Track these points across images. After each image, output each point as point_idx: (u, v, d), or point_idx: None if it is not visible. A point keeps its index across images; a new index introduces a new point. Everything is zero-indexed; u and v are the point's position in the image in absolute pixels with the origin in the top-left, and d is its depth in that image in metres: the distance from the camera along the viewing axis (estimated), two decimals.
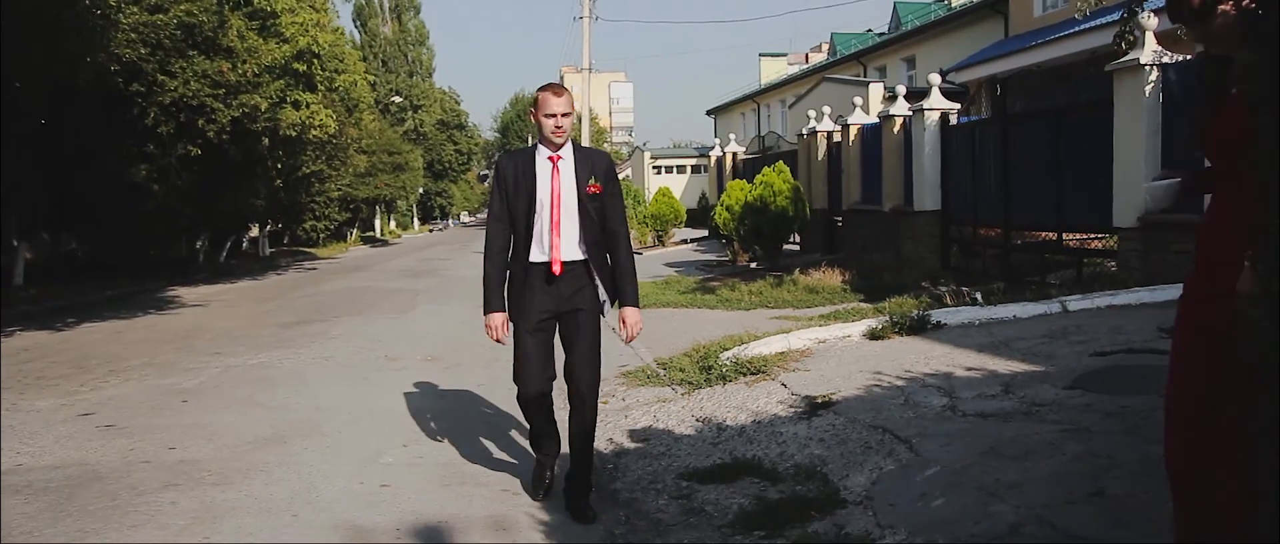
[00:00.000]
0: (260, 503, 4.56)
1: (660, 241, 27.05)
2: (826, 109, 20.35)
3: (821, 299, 11.77)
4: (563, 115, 4.30)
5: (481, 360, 8.59)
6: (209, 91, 17.13)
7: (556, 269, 4.32)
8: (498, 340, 4.46)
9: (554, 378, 4.49)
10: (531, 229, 4.35)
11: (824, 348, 7.50)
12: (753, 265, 17.03)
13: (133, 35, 13.94)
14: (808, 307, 11.32)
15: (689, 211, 32.07)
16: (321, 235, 42.17)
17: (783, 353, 7.31)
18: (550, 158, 4.38)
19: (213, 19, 17.13)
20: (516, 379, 4.43)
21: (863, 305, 10.64)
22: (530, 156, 4.43)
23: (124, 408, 6.96)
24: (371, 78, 35.81)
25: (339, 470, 5.14)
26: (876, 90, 25.08)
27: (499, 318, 4.43)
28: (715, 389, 6.71)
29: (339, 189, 37.23)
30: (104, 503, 4.59)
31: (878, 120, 16.08)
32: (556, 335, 4.47)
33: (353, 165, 33.55)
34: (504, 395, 6.46)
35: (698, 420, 5.94)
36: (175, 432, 6.12)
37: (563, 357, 4.48)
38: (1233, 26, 2.43)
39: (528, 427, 4.77)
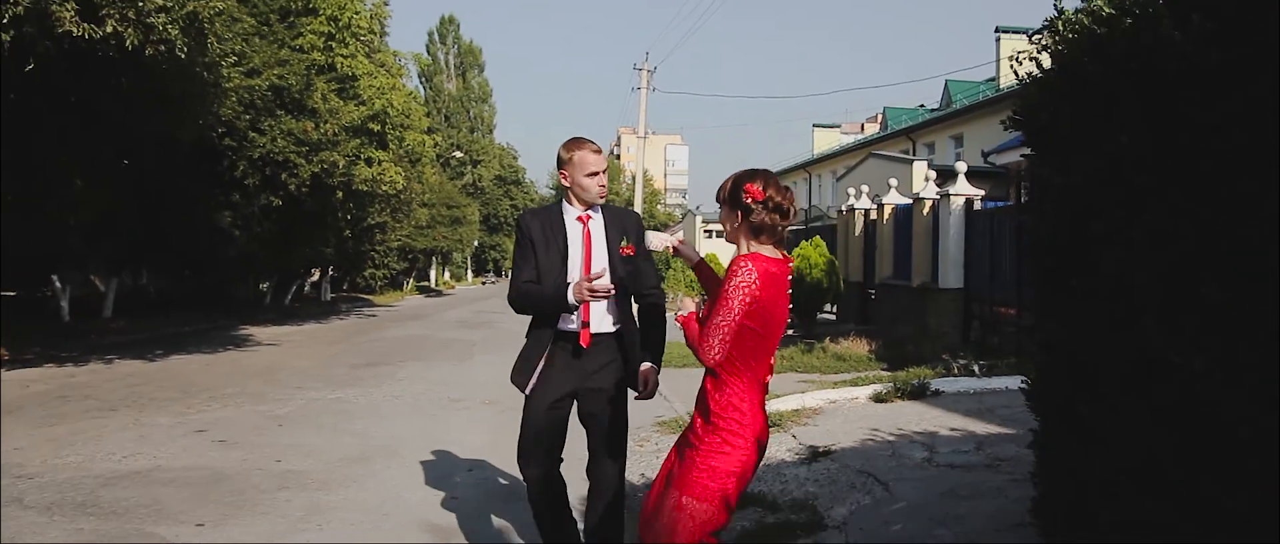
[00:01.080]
0: (356, 504, 5.67)
1: None
2: (865, 187, 21.40)
3: (847, 366, 12.71)
4: (604, 172, 3.97)
5: None
6: (293, 148, 18.67)
7: (585, 340, 3.94)
8: (599, 279, 3.75)
9: (560, 460, 4.07)
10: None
11: (834, 407, 8.53)
12: (789, 332, 18.01)
13: (233, 98, 15.41)
14: (834, 372, 12.27)
15: None
16: (379, 283, 43.91)
17: (797, 410, 8.34)
18: (580, 218, 4.01)
19: (301, 82, 18.72)
20: (522, 458, 4.00)
21: (883, 373, 11.57)
22: (557, 215, 4.03)
23: (230, 427, 8.16)
24: (435, 137, 37.45)
25: (417, 484, 6.24)
26: (919, 168, 26.04)
27: (572, 287, 3.75)
28: None
29: (398, 240, 38.85)
30: (235, 497, 5.75)
31: (910, 202, 17.11)
32: (573, 415, 4.08)
33: (415, 218, 35.30)
34: None
35: None
36: (278, 448, 7.29)
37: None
38: None
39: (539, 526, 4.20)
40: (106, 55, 9.16)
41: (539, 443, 3.95)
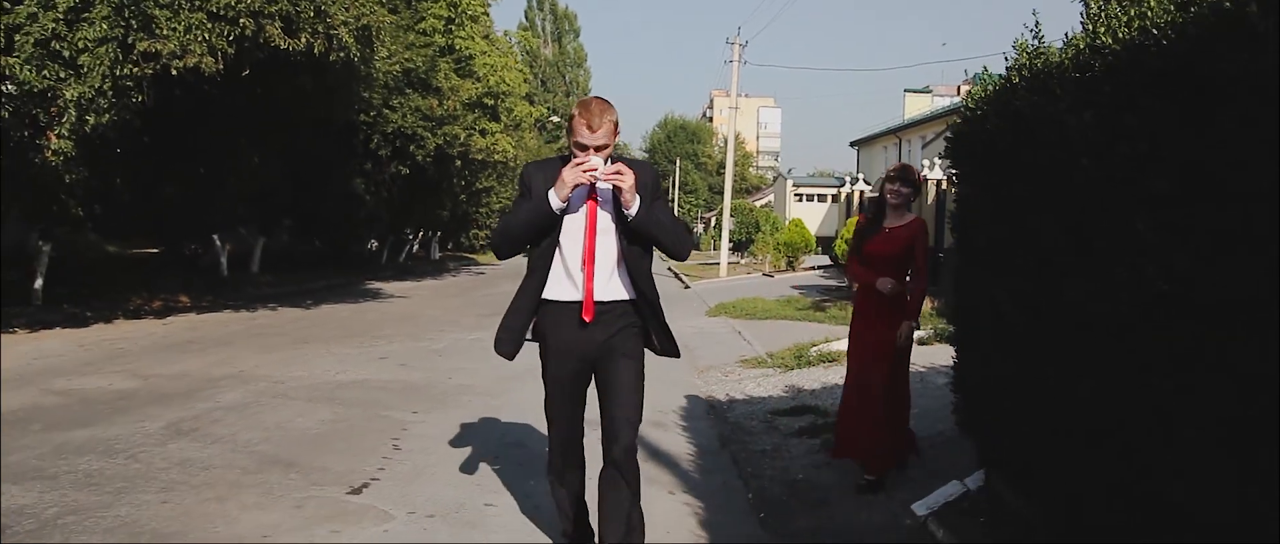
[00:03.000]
0: (518, 408, 7.74)
1: (791, 267, 29.82)
2: (937, 159, 22.89)
3: None
4: (596, 149, 3.45)
5: None
6: (421, 123, 21.00)
7: (588, 314, 3.57)
8: (585, 170, 3.40)
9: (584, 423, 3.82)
10: (559, 259, 3.62)
11: None
12: None
13: (377, 82, 17.75)
14: None
15: (828, 239, 34.72)
16: (480, 243, 46.61)
17: None
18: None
19: (426, 63, 20.99)
20: (552, 473, 3.89)
21: (941, 325, 13.32)
22: (562, 167, 3.53)
23: (403, 356, 10.41)
24: (536, 109, 39.77)
25: None
26: None
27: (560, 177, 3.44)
28: (802, 370, 9.70)
29: (500, 202, 41.40)
30: (430, 398, 7.93)
31: None
32: (591, 384, 3.76)
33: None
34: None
35: (786, 387, 8.94)
36: (446, 370, 9.47)
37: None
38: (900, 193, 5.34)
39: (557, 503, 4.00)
40: (296, 60, 11.41)
41: (563, 410, 3.75)
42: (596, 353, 3.63)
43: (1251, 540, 2.29)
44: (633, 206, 3.47)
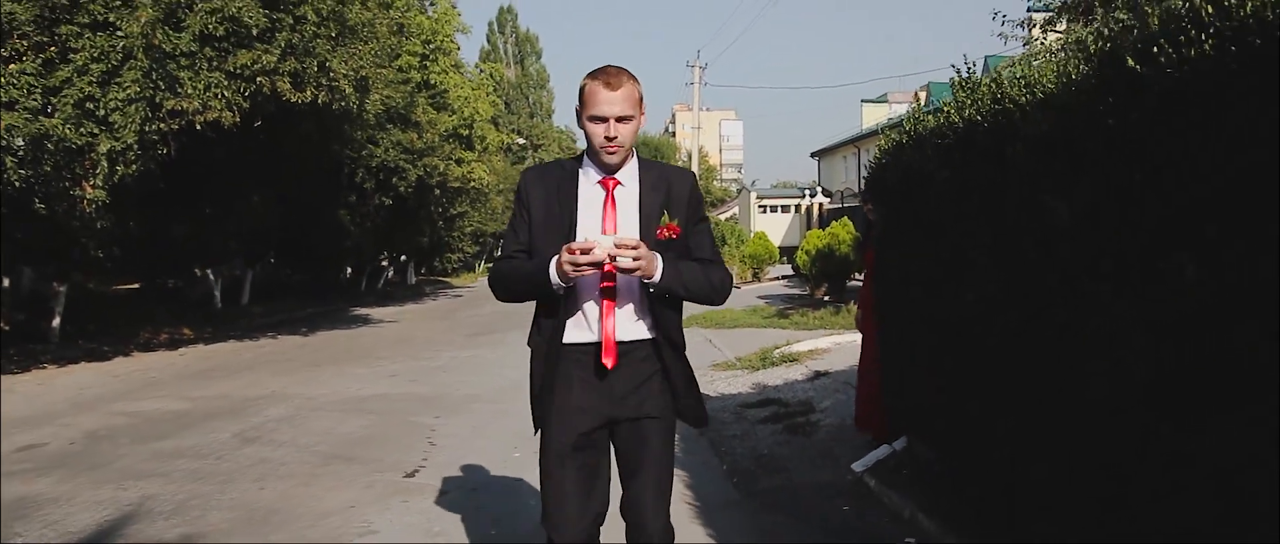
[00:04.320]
0: (523, 413, 8.96)
1: (757, 277, 31.25)
2: None
3: None
4: (619, 120, 2.79)
5: None
6: (402, 156, 22.21)
7: (609, 360, 2.87)
8: (586, 254, 2.62)
9: (603, 518, 3.00)
10: (568, 294, 2.84)
11: (838, 347, 11.76)
12: (825, 298, 21.12)
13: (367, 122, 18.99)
14: (851, 330, 15.44)
15: (791, 249, 36.22)
16: (452, 266, 47.71)
17: (812, 350, 11.59)
18: (602, 181, 2.91)
19: (406, 99, 22.23)
20: (546, 521, 2.96)
21: None
22: (570, 176, 2.95)
23: (409, 374, 11.61)
24: (503, 134, 41.01)
25: None
26: None
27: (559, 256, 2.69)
28: (767, 370, 11.03)
29: (472, 225, 42.55)
30: (445, 407, 9.15)
31: None
32: (610, 456, 3.03)
33: (491, 205, 38.98)
34: None
35: (753, 385, 10.25)
36: (451, 383, 10.69)
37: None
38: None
39: None
40: (301, 109, 12.64)
41: (566, 502, 2.90)
42: (619, 412, 2.92)
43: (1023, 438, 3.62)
44: (655, 274, 2.76)
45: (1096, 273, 3.03)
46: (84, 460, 6.77)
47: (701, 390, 3.08)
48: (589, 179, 2.91)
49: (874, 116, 59.11)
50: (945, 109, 4.60)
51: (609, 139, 2.79)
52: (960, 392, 4.47)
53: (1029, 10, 12.92)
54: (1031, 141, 3.34)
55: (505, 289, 3.00)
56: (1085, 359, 3.16)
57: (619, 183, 2.89)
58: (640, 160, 2.96)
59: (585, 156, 2.95)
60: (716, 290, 2.97)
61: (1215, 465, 2.53)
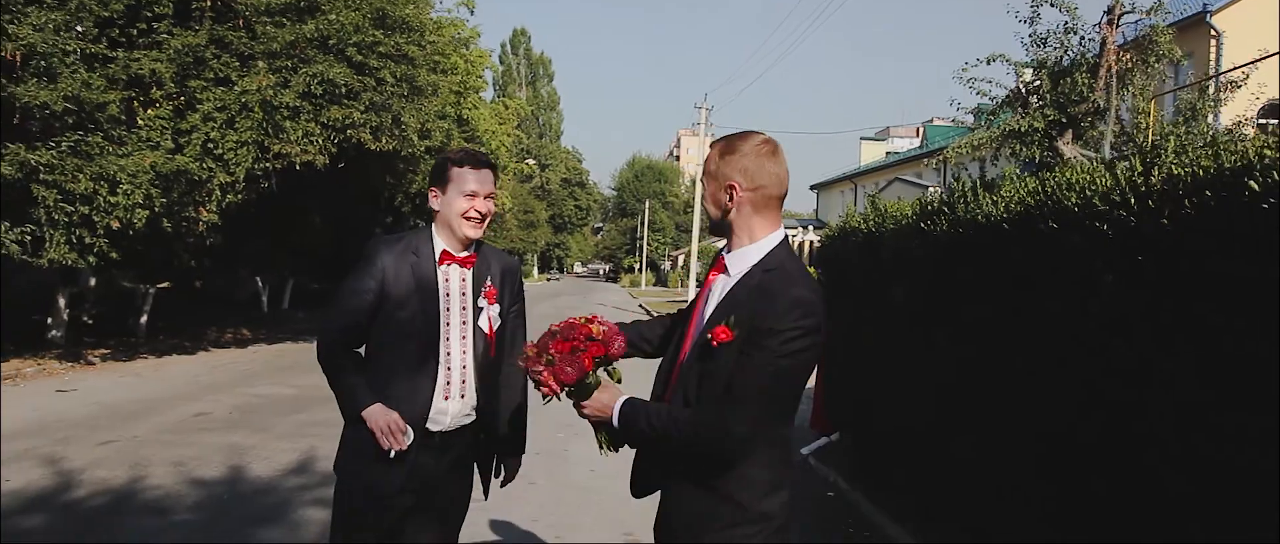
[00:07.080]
0: (562, 407, 11.50)
1: None
2: None
3: None
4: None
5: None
6: None
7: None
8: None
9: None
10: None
11: None
12: None
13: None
14: None
15: None
16: None
17: None
18: (455, 259, 2.99)
19: (444, 135, 24.83)
20: None
21: None
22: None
23: None
24: (519, 163, 43.68)
25: None
26: (934, 195, 31.20)
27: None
28: None
29: (486, 240, 44.98)
30: None
31: None
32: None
33: (506, 225, 41.64)
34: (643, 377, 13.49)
35: None
36: None
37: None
38: None
39: None
40: (372, 152, 15.28)
41: None
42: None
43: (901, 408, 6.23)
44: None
45: (918, 322, 5.64)
46: (251, 424, 9.32)
47: None
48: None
49: (872, 153, 61.63)
50: (858, 219, 7.21)
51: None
52: (867, 399, 7.06)
53: (977, 106, 15.60)
54: (890, 250, 5.97)
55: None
56: (918, 372, 5.75)
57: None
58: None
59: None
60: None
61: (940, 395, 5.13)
